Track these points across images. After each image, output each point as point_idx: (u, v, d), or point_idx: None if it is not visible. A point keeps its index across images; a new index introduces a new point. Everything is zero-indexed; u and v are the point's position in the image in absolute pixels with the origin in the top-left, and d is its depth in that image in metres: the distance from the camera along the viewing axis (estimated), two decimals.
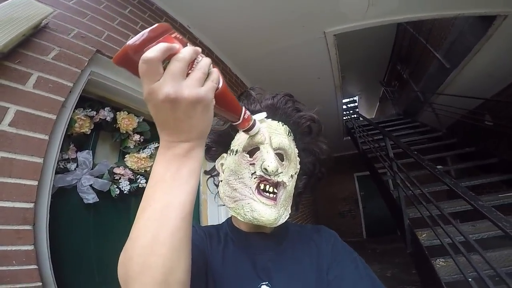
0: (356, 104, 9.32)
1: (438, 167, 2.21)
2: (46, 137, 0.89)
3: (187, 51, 0.32)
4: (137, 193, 1.42)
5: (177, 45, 0.31)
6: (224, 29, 2.25)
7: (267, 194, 0.51)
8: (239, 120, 0.45)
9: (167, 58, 0.30)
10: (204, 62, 0.35)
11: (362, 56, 5.67)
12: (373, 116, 9.12)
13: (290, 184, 0.55)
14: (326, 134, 0.66)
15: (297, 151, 0.60)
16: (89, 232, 1.23)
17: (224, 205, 0.57)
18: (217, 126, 0.60)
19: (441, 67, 3.95)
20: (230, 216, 0.64)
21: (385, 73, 7.26)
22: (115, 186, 1.33)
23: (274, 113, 0.59)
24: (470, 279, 1.41)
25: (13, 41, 0.88)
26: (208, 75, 0.35)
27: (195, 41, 2.18)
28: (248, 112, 0.47)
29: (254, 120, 0.48)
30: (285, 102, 0.59)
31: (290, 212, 0.56)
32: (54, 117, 0.92)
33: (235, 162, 0.54)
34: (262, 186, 0.52)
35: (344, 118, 5.58)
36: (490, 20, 2.59)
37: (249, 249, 0.57)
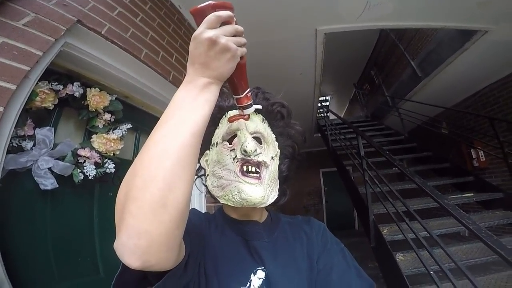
0: (328, 103, 9.63)
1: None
2: (1, 109, 0.74)
3: (239, 26, 0.44)
4: (104, 180, 1.27)
5: (235, 18, 0.44)
6: None
7: (251, 174, 0.54)
8: (242, 94, 0.52)
9: (225, 22, 0.42)
10: (243, 38, 0.45)
11: (341, 59, 5.84)
12: (341, 116, 9.52)
13: (272, 165, 0.58)
14: None
15: (274, 136, 0.63)
16: (45, 223, 1.07)
17: (218, 202, 0.58)
18: None
19: (413, 75, 4.21)
20: (220, 206, 0.67)
21: (360, 76, 7.58)
22: (78, 171, 1.15)
23: None
24: (431, 272, 1.54)
25: None
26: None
27: (183, 23, 2.04)
28: (250, 94, 0.54)
29: (251, 103, 0.54)
30: (256, 95, 0.63)
31: (278, 194, 0.58)
32: (13, 87, 0.77)
33: (217, 153, 0.57)
34: (245, 168, 0.54)
35: (317, 115, 5.72)
36: (469, 34, 2.79)
37: (243, 235, 0.59)
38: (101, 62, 1.25)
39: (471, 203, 2.98)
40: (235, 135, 0.57)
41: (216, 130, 0.62)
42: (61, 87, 1.12)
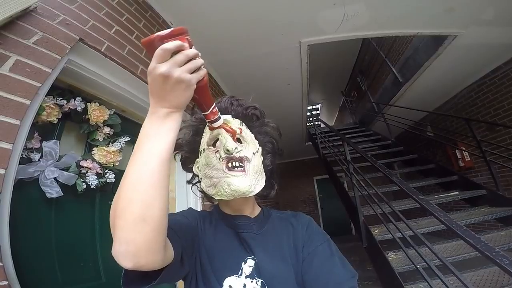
0: (319, 111, 9.83)
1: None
2: (18, 122, 0.82)
3: (191, 51, 0.44)
4: (105, 189, 1.35)
5: (186, 44, 0.44)
6: (206, 30, 2.28)
7: (236, 168, 0.61)
8: (208, 111, 0.56)
9: (177, 51, 0.43)
10: (199, 61, 0.46)
11: (327, 67, 6.06)
12: (333, 124, 9.73)
13: (254, 159, 0.64)
14: (289, 139, 0.75)
15: (254, 135, 0.69)
16: (50, 229, 1.14)
17: (217, 203, 0.72)
18: (186, 137, 0.72)
19: (395, 81, 4.39)
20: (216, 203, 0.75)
21: (347, 84, 7.82)
22: (81, 180, 1.24)
23: (224, 113, 0.68)
24: (418, 267, 1.58)
25: (0, 23, 0.84)
26: (197, 69, 0.47)
27: None
28: (216, 109, 0.58)
29: (219, 116, 0.59)
30: (231, 103, 0.70)
31: (265, 185, 0.65)
32: (28, 102, 0.86)
33: (205, 157, 0.64)
34: (230, 164, 0.61)
35: (307, 124, 5.87)
36: (441, 39, 2.97)
37: (235, 228, 0.67)
38: (101, 78, 1.34)
39: (457, 201, 3.05)
40: (218, 139, 0.63)
41: (202, 140, 0.68)
42: (65, 102, 1.21)
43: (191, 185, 0.77)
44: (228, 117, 0.65)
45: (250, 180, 0.61)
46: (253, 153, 0.65)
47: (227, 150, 0.59)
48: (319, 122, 5.93)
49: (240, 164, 0.61)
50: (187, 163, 0.73)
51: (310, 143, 6.00)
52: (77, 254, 1.23)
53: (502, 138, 3.56)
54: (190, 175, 0.76)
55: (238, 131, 0.64)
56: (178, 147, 0.71)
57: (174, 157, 0.73)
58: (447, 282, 1.36)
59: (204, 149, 0.65)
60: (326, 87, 7.75)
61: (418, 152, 3.96)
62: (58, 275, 1.11)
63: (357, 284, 0.58)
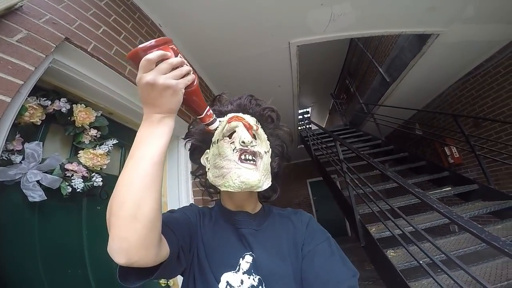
0: (309, 115, 9.92)
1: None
2: None
3: (175, 59, 0.47)
4: (92, 193, 1.30)
5: (169, 53, 0.47)
6: (195, 32, 2.28)
7: (248, 161, 0.62)
8: (201, 114, 0.59)
9: (161, 60, 0.45)
10: (185, 68, 0.49)
11: (317, 70, 6.16)
12: (323, 126, 9.82)
13: (265, 157, 0.66)
14: None
15: (266, 136, 0.71)
16: (33, 235, 1.07)
17: (216, 198, 0.74)
18: (200, 126, 0.73)
19: (382, 81, 4.47)
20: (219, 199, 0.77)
21: (336, 86, 7.95)
22: (66, 184, 1.17)
23: (243, 109, 0.72)
24: (421, 262, 1.57)
25: None
26: (185, 75, 0.49)
27: None
28: (211, 111, 0.60)
29: (215, 119, 0.62)
30: (250, 101, 0.73)
31: (271, 183, 0.66)
32: (8, 99, 0.82)
33: (218, 148, 0.65)
34: (243, 157, 0.62)
35: (299, 128, 5.88)
36: (425, 38, 3.05)
37: (235, 224, 0.67)
38: (87, 79, 1.30)
39: (450, 197, 3.06)
40: (234, 131, 0.65)
41: (216, 131, 0.68)
42: (49, 102, 1.15)
43: (194, 177, 0.78)
44: (223, 119, 0.68)
45: (260, 175, 0.62)
46: (265, 151, 0.66)
47: (243, 142, 0.61)
48: (311, 125, 5.96)
49: (253, 158, 0.63)
50: (196, 152, 0.75)
51: (302, 145, 6.02)
52: (64, 261, 1.16)
53: (488, 133, 3.65)
54: (189, 170, 0.77)
55: (254, 127, 0.66)
56: (189, 135, 0.74)
57: (185, 145, 0.78)
58: (453, 276, 1.33)
59: (218, 140, 0.66)
60: (316, 90, 7.85)
61: (409, 150, 4.01)
62: (44, 283, 1.04)
63: (358, 284, 0.57)
